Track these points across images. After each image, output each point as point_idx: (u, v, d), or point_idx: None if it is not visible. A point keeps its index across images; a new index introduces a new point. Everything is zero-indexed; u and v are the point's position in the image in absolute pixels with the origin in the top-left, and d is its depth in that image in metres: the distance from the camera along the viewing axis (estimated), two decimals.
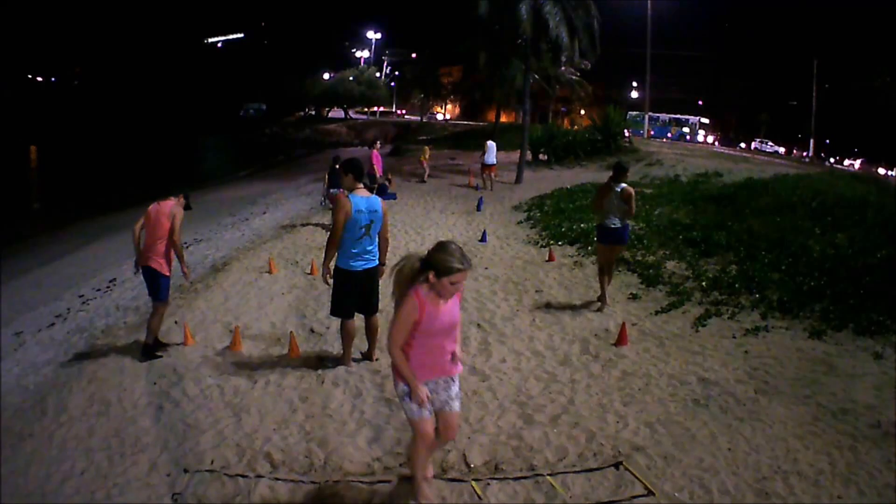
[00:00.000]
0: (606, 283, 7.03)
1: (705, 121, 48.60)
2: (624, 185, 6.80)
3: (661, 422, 4.33)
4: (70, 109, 55.75)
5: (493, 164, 17.87)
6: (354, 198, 4.81)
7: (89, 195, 19.49)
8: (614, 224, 6.82)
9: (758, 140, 50.65)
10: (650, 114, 47.49)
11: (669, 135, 45.00)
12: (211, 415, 4.46)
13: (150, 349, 5.58)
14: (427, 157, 20.43)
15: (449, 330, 3.15)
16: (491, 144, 17.91)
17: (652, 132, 45.19)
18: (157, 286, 5.61)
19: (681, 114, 49.71)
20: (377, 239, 5.03)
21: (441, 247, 3.02)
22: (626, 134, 27.57)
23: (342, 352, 5.32)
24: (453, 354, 3.20)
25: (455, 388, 3.26)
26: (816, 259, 7.66)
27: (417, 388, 3.06)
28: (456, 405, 3.26)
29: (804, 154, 46.48)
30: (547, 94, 36.58)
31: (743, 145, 48.47)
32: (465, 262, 2.99)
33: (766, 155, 39.09)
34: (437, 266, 2.97)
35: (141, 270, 5.67)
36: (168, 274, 5.66)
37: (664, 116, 48.64)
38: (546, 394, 4.80)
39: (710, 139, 47.15)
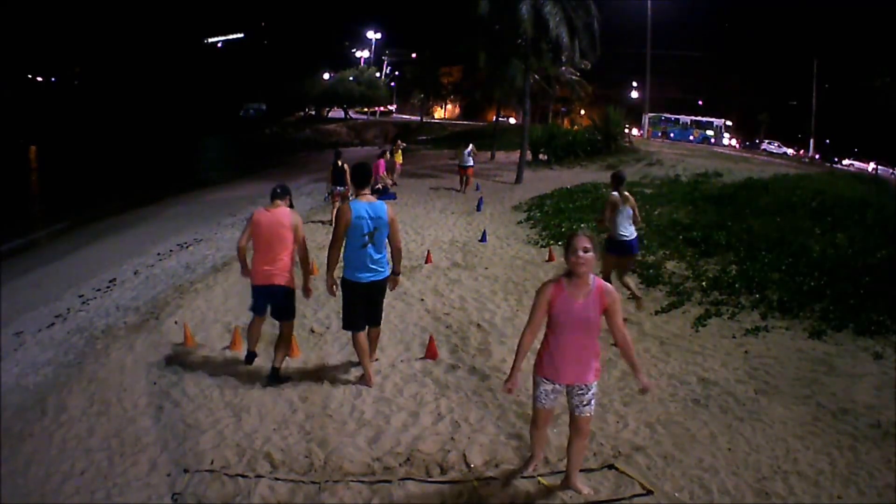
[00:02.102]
0: (629, 282, 6.80)
1: (729, 123, 46.96)
2: (626, 192, 6.68)
3: (661, 422, 4.34)
4: (70, 109, 55.75)
5: (472, 167, 17.60)
6: (356, 204, 4.54)
7: (89, 195, 19.49)
8: (630, 234, 6.58)
9: (766, 141, 50.11)
10: (667, 115, 47.20)
11: (692, 137, 43.75)
12: (211, 415, 4.46)
13: (277, 374, 4.98)
14: (400, 158, 19.01)
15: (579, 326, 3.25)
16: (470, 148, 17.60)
17: (672, 134, 44.60)
18: (289, 304, 5.09)
19: (679, 114, 49.44)
20: (385, 249, 4.70)
21: (569, 234, 3.37)
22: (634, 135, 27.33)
23: (363, 372, 4.97)
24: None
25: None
26: (816, 259, 7.66)
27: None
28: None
29: (803, 154, 46.25)
30: (547, 94, 36.55)
31: (764, 147, 47.73)
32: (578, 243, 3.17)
33: (773, 156, 38.70)
34: (565, 247, 3.28)
35: (260, 289, 5.07)
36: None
37: (685, 118, 47.06)
38: None
39: (733, 142, 46.35)
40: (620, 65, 50.98)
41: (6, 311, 7.77)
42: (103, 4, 72.59)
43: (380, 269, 4.71)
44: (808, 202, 10.75)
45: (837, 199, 10.93)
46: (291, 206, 5.31)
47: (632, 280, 7.05)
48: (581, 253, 3.12)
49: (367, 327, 4.92)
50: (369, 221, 4.54)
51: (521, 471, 3.70)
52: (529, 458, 3.75)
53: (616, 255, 6.61)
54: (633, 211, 6.62)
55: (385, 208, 4.63)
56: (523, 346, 3.33)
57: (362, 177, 4.75)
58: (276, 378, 4.98)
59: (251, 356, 5.40)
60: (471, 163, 17.38)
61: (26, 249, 12.76)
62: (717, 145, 41.09)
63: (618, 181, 6.72)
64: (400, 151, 19.79)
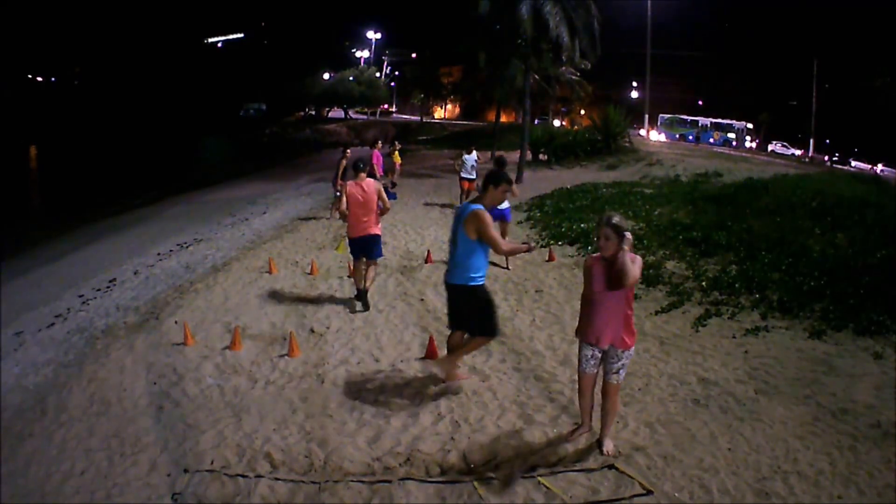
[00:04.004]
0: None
1: (750, 126, 46.38)
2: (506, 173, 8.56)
3: (661, 422, 4.33)
4: (70, 109, 55.76)
5: (474, 180, 13.72)
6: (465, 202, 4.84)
7: (89, 195, 19.50)
8: (502, 206, 8.10)
9: (775, 142, 49.79)
10: (684, 116, 47.04)
11: (712, 140, 43.31)
12: (211, 415, 4.46)
13: (364, 295, 6.84)
14: (398, 158, 18.27)
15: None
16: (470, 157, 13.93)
17: (690, 137, 44.23)
18: (378, 246, 6.96)
19: (680, 113, 49.35)
20: (460, 250, 4.43)
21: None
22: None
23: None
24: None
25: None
26: (816, 259, 7.65)
27: None
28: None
29: (803, 154, 46.09)
30: (547, 94, 36.55)
31: (773, 149, 47.32)
32: (604, 221, 3.68)
33: (782, 157, 38.40)
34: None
35: (357, 240, 6.80)
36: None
37: (704, 120, 46.33)
38: (546, 394, 4.81)
39: (753, 145, 45.91)
40: (620, 65, 50.96)
41: (6, 311, 7.77)
42: (103, 4, 72.58)
43: (450, 269, 4.58)
44: (808, 202, 10.73)
45: (837, 199, 10.90)
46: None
47: (508, 237, 8.67)
48: (603, 241, 3.67)
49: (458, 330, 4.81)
50: (455, 220, 4.54)
51: (568, 436, 4.06)
52: (579, 426, 4.11)
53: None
54: (512, 186, 8.40)
55: (467, 212, 4.36)
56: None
57: (486, 179, 4.56)
58: (365, 299, 6.81)
59: (361, 293, 6.86)
60: (473, 175, 13.77)
61: (26, 250, 12.75)
62: (740, 149, 39.80)
63: (500, 164, 8.51)
64: (397, 152, 19.63)
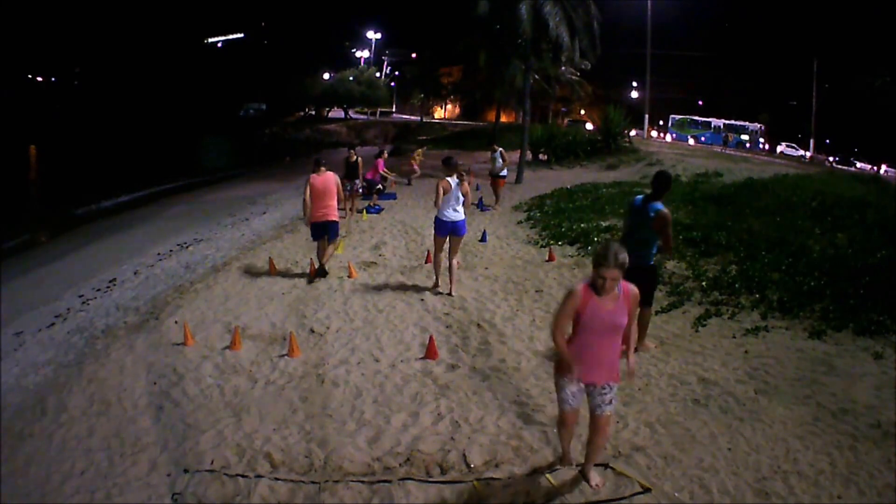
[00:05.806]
0: (441, 270, 7.50)
1: (763, 127, 46.35)
2: (461, 180, 7.07)
3: (661, 422, 4.33)
4: (70, 109, 55.77)
5: (504, 177, 14.36)
6: (635, 199, 5.71)
7: (89, 195, 19.49)
8: (455, 217, 7.05)
9: (783, 143, 49.63)
10: (696, 118, 46.89)
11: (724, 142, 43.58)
12: (211, 415, 4.46)
13: (323, 271, 7.89)
14: (418, 160, 19.41)
15: (608, 330, 3.30)
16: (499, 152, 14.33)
17: (703, 138, 44.12)
18: (337, 230, 8.08)
19: (682, 113, 49.22)
20: (647, 238, 5.35)
21: (604, 243, 3.50)
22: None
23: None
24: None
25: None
26: (816, 259, 7.65)
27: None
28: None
29: (810, 156, 45.95)
30: (547, 94, 36.57)
31: (782, 150, 47.06)
32: (611, 261, 3.11)
33: (788, 159, 38.19)
34: (594, 258, 3.24)
35: (318, 225, 7.80)
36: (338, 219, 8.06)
37: (717, 122, 46.25)
38: (546, 394, 4.80)
39: (767, 146, 45.65)
40: (620, 65, 51.00)
41: (6, 311, 7.78)
42: (103, 4, 72.60)
43: (638, 254, 5.04)
44: (808, 202, 10.73)
45: (837, 199, 10.91)
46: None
47: (457, 259, 7.41)
48: (610, 281, 3.18)
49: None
50: (633, 217, 5.55)
51: (548, 468, 3.74)
52: (561, 458, 3.79)
53: (441, 235, 7.14)
54: (465, 197, 7.05)
55: (656, 210, 5.34)
56: (561, 343, 3.36)
57: (659, 184, 5.64)
58: (323, 273, 7.88)
59: (322, 271, 7.90)
60: (505, 172, 14.18)
61: (26, 249, 12.76)
62: (753, 151, 39.26)
63: (450, 166, 7.15)
64: (418, 155, 20.46)
